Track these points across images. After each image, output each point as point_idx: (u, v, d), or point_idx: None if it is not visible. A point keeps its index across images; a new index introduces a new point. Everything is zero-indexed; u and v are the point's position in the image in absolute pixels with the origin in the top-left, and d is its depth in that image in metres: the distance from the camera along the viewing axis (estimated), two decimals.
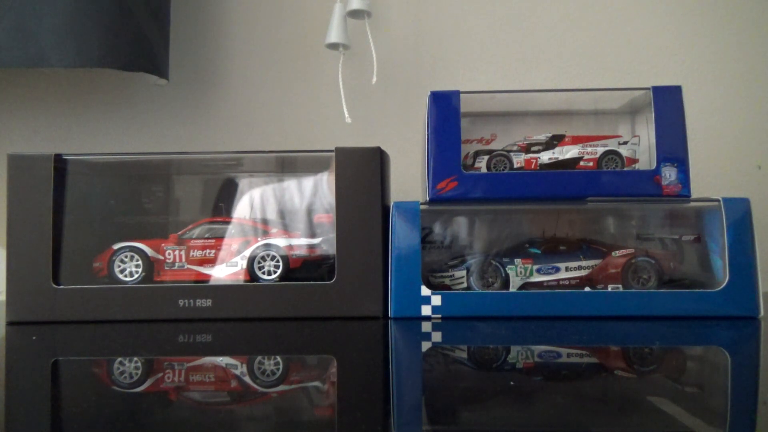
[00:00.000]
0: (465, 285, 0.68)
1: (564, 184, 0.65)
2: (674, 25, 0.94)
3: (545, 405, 0.38)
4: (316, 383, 0.44)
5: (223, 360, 0.50)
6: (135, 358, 0.50)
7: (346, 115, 0.88)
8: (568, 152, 0.70)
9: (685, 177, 0.64)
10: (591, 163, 0.70)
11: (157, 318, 0.64)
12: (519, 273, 0.68)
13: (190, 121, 0.96)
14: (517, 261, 0.68)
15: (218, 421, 0.37)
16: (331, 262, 0.66)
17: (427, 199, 0.66)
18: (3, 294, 0.65)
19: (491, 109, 0.76)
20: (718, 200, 0.64)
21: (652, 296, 0.63)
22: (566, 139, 0.72)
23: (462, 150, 0.67)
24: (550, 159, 0.70)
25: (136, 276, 0.68)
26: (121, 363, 0.49)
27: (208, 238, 0.70)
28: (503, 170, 0.70)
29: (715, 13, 0.94)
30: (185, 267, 0.69)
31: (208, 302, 0.65)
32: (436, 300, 0.63)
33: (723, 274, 0.63)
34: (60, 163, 0.67)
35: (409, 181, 0.86)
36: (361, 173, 0.66)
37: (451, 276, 0.69)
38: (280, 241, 0.69)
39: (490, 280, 0.68)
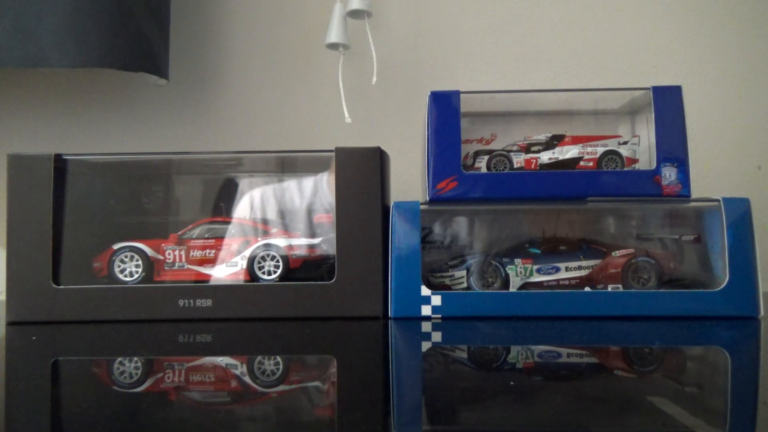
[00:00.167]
0: (465, 285, 0.68)
1: (564, 184, 0.65)
2: (674, 25, 0.94)
3: (545, 405, 0.38)
4: (316, 383, 0.44)
5: (223, 360, 0.50)
6: (135, 358, 0.50)
7: (346, 115, 0.88)
8: (568, 152, 0.70)
9: (685, 177, 0.64)
10: (591, 163, 0.70)
11: (157, 318, 0.64)
12: (519, 273, 0.68)
13: (190, 121, 0.96)
14: (517, 261, 0.68)
15: (218, 421, 0.37)
16: (331, 262, 0.66)
17: (427, 199, 0.66)
18: (3, 294, 0.65)
19: (491, 109, 0.76)
20: (718, 200, 0.64)
21: (652, 296, 0.63)
22: (566, 139, 0.72)
23: (462, 150, 0.67)
24: (550, 159, 0.70)
25: (136, 276, 0.68)
26: (121, 363, 0.49)
27: (208, 238, 0.70)
28: (503, 170, 0.70)
29: (715, 13, 0.94)
30: (185, 267, 0.69)
31: (208, 302, 0.65)
32: (436, 300, 0.63)
33: (723, 274, 0.63)
34: (60, 163, 0.67)
35: (409, 181, 0.86)
36: (361, 173, 0.66)
37: (451, 276, 0.69)
38: (280, 241, 0.69)
39: (490, 280, 0.68)
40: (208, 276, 0.69)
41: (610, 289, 0.66)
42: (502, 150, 0.71)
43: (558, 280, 0.68)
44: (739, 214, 0.63)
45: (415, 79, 0.95)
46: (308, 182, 0.74)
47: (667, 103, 0.65)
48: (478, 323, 0.62)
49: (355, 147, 0.66)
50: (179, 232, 0.70)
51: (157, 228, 0.75)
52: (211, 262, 0.69)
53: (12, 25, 0.73)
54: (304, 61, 0.96)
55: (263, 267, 0.68)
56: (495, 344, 0.56)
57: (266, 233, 0.71)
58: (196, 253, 0.69)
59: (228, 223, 0.71)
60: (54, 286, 0.64)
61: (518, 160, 0.70)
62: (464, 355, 0.52)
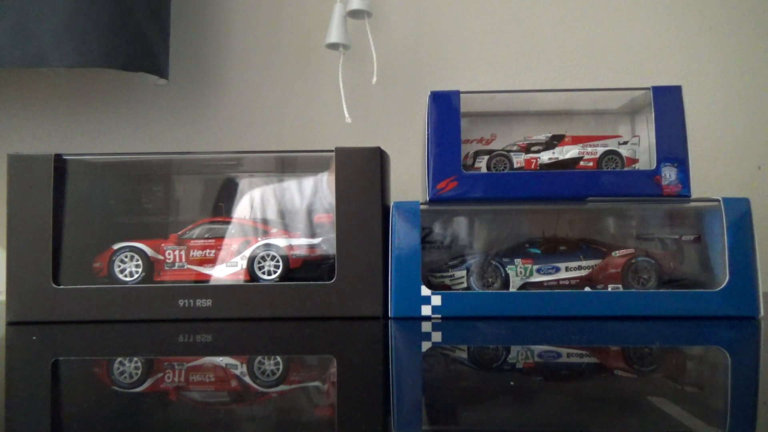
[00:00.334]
0: (465, 285, 0.68)
1: (564, 184, 0.65)
2: (674, 25, 0.94)
3: (545, 405, 0.38)
4: (316, 383, 0.44)
5: (223, 360, 0.50)
6: (135, 358, 0.50)
7: (346, 115, 0.88)
8: (568, 152, 0.70)
9: (685, 177, 0.64)
10: (591, 163, 0.70)
11: (157, 318, 0.64)
12: (519, 273, 0.68)
13: (190, 121, 0.96)
14: (517, 261, 0.68)
15: (218, 421, 0.37)
16: (331, 262, 0.66)
17: (427, 199, 0.66)
18: (3, 294, 0.65)
19: (491, 109, 0.76)
20: (718, 200, 0.64)
21: (652, 296, 0.63)
22: (566, 139, 0.72)
23: (462, 150, 0.67)
24: (550, 159, 0.70)
25: (136, 276, 0.68)
26: (121, 363, 0.49)
27: (208, 238, 0.70)
28: (503, 170, 0.70)
29: (715, 13, 0.94)
30: (185, 267, 0.69)
31: (208, 302, 0.65)
32: (436, 300, 0.63)
33: (723, 274, 0.63)
34: (60, 163, 0.67)
35: (409, 181, 0.86)
36: (361, 173, 0.66)
37: (451, 276, 0.69)
38: (280, 241, 0.69)
39: (490, 280, 0.68)
40: (208, 276, 0.69)
41: (610, 289, 0.66)
42: (502, 150, 0.71)
43: (558, 280, 0.68)
44: (739, 214, 0.63)
45: (415, 79, 0.95)
46: (308, 182, 0.74)
47: (667, 103, 0.65)
48: (478, 323, 0.62)
49: (355, 147, 0.66)
50: (179, 232, 0.70)
51: (157, 228, 0.75)
52: (211, 262, 0.69)
53: (12, 25, 0.73)
54: (304, 61, 0.96)
55: (263, 267, 0.68)
56: (495, 344, 0.56)
57: (266, 233, 0.71)
58: (196, 253, 0.69)
59: (228, 223, 0.71)
60: (54, 286, 0.64)
61: (518, 160, 0.70)
62: (464, 355, 0.52)
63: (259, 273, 0.68)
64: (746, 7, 0.94)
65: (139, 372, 0.47)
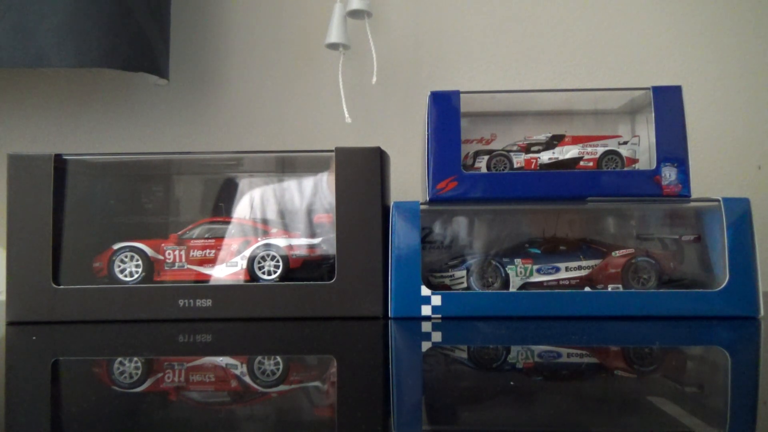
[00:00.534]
0: (465, 285, 0.68)
1: (564, 184, 0.65)
2: (674, 25, 0.94)
3: (545, 405, 0.38)
4: (316, 383, 0.44)
5: (223, 360, 0.50)
6: (135, 358, 0.50)
7: (346, 115, 0.88)
8: (568, 152, 0.70)
9: (685, 177, 0.64)
10: (591, 163, 0.70)
11: (157, 318, 0.64)
12: (519, 273, 0.68)
13: (190, 121, 0.96)
14: (517, 261, 0.68)
15: (218, 421, 0.37)
16: (331, 262, 0.66)
17: (427, 199, 0.66)
18: (3, 294, 0.65)
19: (491, 109, 0.76)
20: (718, 200, 0.64)
21: (652, 296, 0.63)
22: (566, 139, 0.72)
23: (462, 150, 0.67)
24: (550, 159, 0.70)
25: (136, 276, 0.68)
26: (121, 363, 0.49)
27: (208, 238, 0.70)
28: (503, 170, 0.70)
29: (715, 13, 0.94)
30: (185, 267, 0.69)
31: (208, 302, 0.65)
32: (436, 300, 0.63)
33: (723, 274, 0.63)
34: (60, 163, 0.67)
35: (409, 181, 0.86)
36: (361, 173, 0.66)
37: (451, 276, 0.69)
38: (280, 241, 0.69)
39: (490, 280, 0.68)
40: (208, 276, 0.69)
41: (610, 289, 0.66)
42: (502, 150, 0.71)
43: (558, 280, 0.68)
44: (739, 214, 0.63)
45: (415, 79, 0.95)
46: (308, 182, 0.74)
47: (667, 103, 0.65)
48: (478, 323, 0.62)
49: (355, 147, 0.66)
50: (179, 232, 0.70)
51: (157, 228, 0.75)
52: (211, 262, 0.69)
53: (12, 25, 0.73)
54: (304, 61, 0.96)
55: (263, 267, 0.68)
56: (495, 344, 0.56)
57: (266, 233, 0.71)
58: (196, 253, 0.69)
59: (228, 223, 0.71)
60: (54, 286, 0.64)
61: (518, 160, 0.70)
62: (464, 355, 0.52)
63: (259, 273, 0.68)
64: (746, 7, 0.94)
65: (139, 372, 0.47)
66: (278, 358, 0.51)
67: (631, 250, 0.68)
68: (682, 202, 0.68)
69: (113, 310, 0.64)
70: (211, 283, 0.68)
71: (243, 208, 0.73)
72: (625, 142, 0.72)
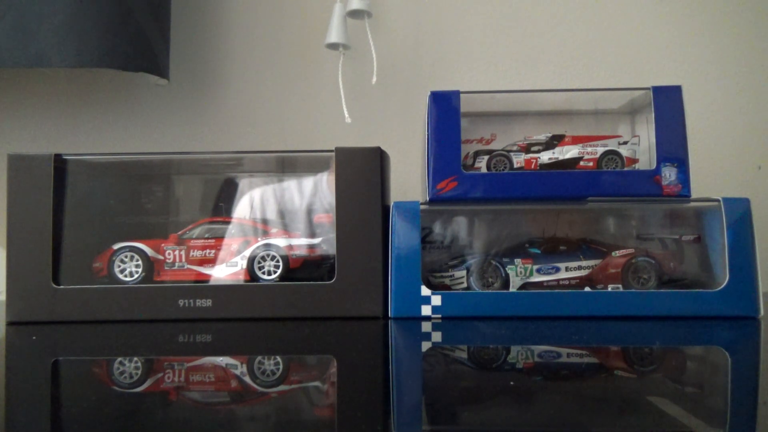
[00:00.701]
0: (465, 285, 0.68)
1: (564, 184, 0.65)
2: (674, 25, 0.94)
3: (545, 405, 0.38)
4: (316, 383, 0.44)
5: (223, 360, 0.50)
6: (135, 358, 0.50)
7: (346, 115, 0.88)
8: (568, 152, 0.70)
9: (685, 177, 0.64)
10: (591, 163, 0.70)
11: (157, 318, 0.64)
12: (519, 273, 0.68)
13: (190, 121, 0.96)
14: (517, 261, 0.68)
15: (218, 421, 0.37)
16: (331, 262, 0.66)
17: (427, 199, 0.66)
18: (3, 294, 0.65)
19: (491, 109, 0.76)
20: (718, 200, 0.64)
21: (652, 296, 0.63)
22: (566, 139, 0.72)
23: (462, 150, 0.67)
24: (550, 159, 0.70)
25: (136, 276, 0.68)
26: (121, 363, 0.49)
27: (208, 238, 0.70)
28: (503, 170, 0.70)
29: (715, 13, 0.94)
30: (185, 267, 0.69)
31: (208, 302, 0.65)
32: (436, 300, 0.63)
33: (723, 274, 0.63)
34: (60, 163, 0.67)
35: (409, 181, 0.86)
36: (361, 173, 0.66)
37: (451, 276, 0.69)
38: (280, 241, 0.69)
39: (490, 280, 0.68)
40: (208, 276, 0.69)
41: (610, 289, 0.66)
42: (502, 150, 0.71)
43: (558, 280, 0.68)
44: (739, 214, 0.63)
45: (415, 79, 0.95)
46: (308, 182, 0.74)
47: (667, 103, 0.65)
48: (478, 323, 0.62)
49: (355, 147, 0.66)
50: (179, 232, 0.70)
51: (157, 228, 0.75)
52: (211, 262, 0.69)
53: (12, 25, 0.73)
54: (304, 61, 0.96)
55: (263, 267, 0.68)
56: (495, 344, 0.56)
57: (266, 233, 0.71)
58: (196, 253, 0.69)
59: (228, 223, 0.71)
60: (54, 286, 0.64)
61: (518, 160, 0.70)
62: (464, 355, 0.52)
63: (259, 273, 0.68)
64: (746, 7, 0.94)
65: (139, 372, 0.47)
66: (278, 358, 0.51)
67: (631, 250, 0.68)
68: (682, 202, 0.68)
69: (113, 310, 0.65)
70: (211, 283, 0.68)
71: (243, 208, 0.73)
72: (625, 142, 0.72)
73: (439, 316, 0.63)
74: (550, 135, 0.72)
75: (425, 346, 0.56)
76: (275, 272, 0.68)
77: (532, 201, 0.67)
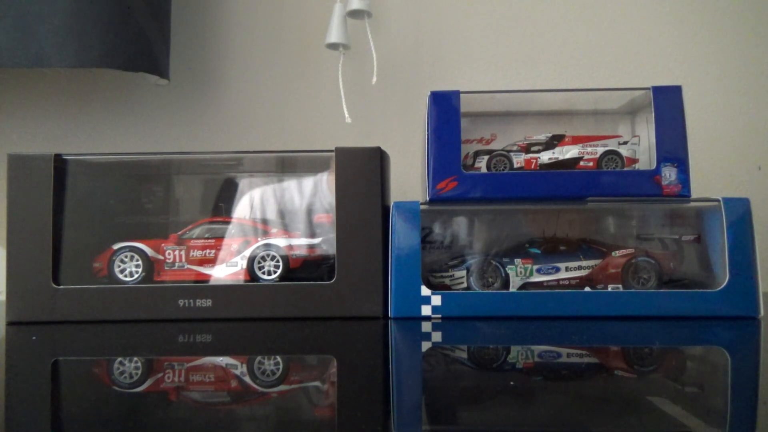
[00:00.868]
0: (465, 285, 0.68)
1: (564, 184, 0.65)
2: (674, 25, 0.94)
3: (545, 405, 0.38)
4: (316, 383, 0.44)
5: (223, 360, 0.50)
6: (135, 358, 0.50)
7: (346, 115, 0.88)
8: (568, 152, 0.70)
9: (685, 177, 0.64)
10: (591, 163, 0.70)
11: (157, 318, 0.64)
12: (519, 273, 0.68)
13: (190, 121, 0.96)
14: (517, 261, 0.68)
15: (218, 421, 0.37)
16: (331, 262, 0.66)
17: (427, 199, 0.66)
18: (3, 294, 0.65)
19: (491, 109, 0.76)
20: (718, 200, 0.64)
21: (652, 296, 0.63)
22: (566, 139, 0.72)
23: (462, 150, 0.67)
24: (550, 159, 0.70)
25: (136, 276, 0.68)
26: (121, 363, 0.49)
27: (208, 238, 0.70)
28: (503, 170, 0.70)
29: (715, 13, 0.94)
30: (185, 267, 0.69)
31: (208, 302, 0.65)
32: (436, 300, 0.63)
33: (723, 274, 0.63)
34: (60, 163, 0.67)
35: (409, 181, 0.86)
36: (361, 173, 0.66)
37: (451, 276, 0.69)
38: (280, 241, 0.69)
39: (490, 280, 0.68)
40: (208, 276, 0.69)
41: (610, 289, 0.66)
42: (502, 150, 0.71)
43: (558, 280, 0.68)
44: (739, 214, 0.63)
45: (415, 79, 0.95)
46: (308, 182, 0.74)
47: (667, 103, 0.65)
48: (478, 323, 0.62)
49: (355, 147, 0.66)
50: (179, 232, 0.70)
51: (157, 228, 0.75)
52: (211, 262, 0.69)
53: (12, 25, 0.73)
54: (304, 61, 0.96)
55: (263, 267, 0.68)
56: (495, 344, 0.56)
57: (266, 233, 0.71)
58: (196, 253, 0.69)
59: (228, 223, 0.71)
60: (54, 286, 0.64)
61: (518, 160, 0.70)
62: (464, 355, 0.52)
63: (259, 273, 0.68)
64: (746, 7, 0.94)
65: (139, 372, 0.47)
66: (278, 358, 0.51)
67: (631, 250, 0.68)
68: (682, 202, 0.68)
69: (113, 310, 0.65)
70: (211, 283, 0.68)
71: (243, 208, 0.73)
72: (625, 142, 0.72)
73: (439, 316, 0.63)
74: (550, 135, 0.72)
75: (425, 346, 0.56)
76: (275, 272, 0.68)
77: (532, 201, 0.67)
